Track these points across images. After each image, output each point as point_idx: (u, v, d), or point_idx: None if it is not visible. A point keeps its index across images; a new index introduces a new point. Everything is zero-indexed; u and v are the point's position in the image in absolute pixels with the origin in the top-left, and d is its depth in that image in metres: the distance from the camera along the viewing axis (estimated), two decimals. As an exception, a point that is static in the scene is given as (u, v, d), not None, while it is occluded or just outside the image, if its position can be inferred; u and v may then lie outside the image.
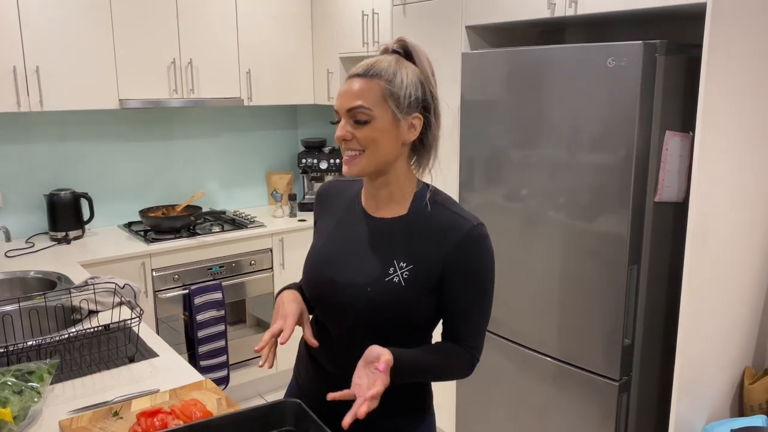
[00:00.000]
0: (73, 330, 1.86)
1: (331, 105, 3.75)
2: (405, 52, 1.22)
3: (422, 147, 1.24)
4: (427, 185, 1.28)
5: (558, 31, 2.79)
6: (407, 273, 1.18)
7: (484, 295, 1.22)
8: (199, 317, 3.10)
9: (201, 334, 3.12)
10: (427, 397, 1.36)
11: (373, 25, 3.24)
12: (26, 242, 3.09)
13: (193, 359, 3.13)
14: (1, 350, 1.67)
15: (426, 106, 1.20)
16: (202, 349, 3.14)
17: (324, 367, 1.33)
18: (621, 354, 2.06)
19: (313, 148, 3.87)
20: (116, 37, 3.04)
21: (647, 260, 2.04)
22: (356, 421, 1.05)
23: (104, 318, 2.02)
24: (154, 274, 3.00)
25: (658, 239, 2.06)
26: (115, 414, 1.41)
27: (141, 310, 1.75)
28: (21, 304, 1.89)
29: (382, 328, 1.21)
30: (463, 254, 1.18)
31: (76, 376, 1.66)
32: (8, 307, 1.90)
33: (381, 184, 1.23)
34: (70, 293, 1.93)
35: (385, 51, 1.24)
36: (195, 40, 3.27)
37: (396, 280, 1.18)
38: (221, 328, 3.19)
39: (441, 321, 1.27)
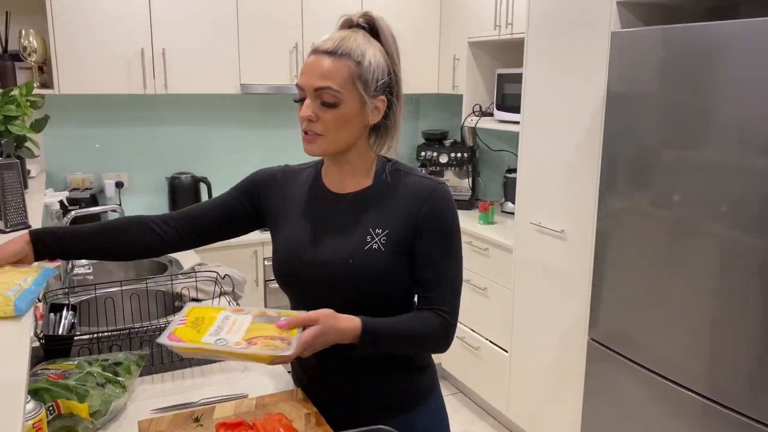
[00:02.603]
0: (166, 320, 1.78)
1: (456, 95, 3.51)
2: (370, 27, 1.20)
3: (383, 128, 1.23)
4: (387, 158, 1.28)
5: (731, 8, 2.37)
6: (384, 238, 1.19)
7: (453, 253, 1.23)
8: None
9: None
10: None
11: (507, 6, 2.96)
12: (147, 224, 3.13)
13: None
14: (95, 335, 1.61)
15: (390, 89, 1.20)
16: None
17: (322, 360, 1.26)
18: (798, 403, 1.66)
19: (434, 140, 3.65)
20: (240, 21, 2.99)
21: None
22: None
23: (205, 308, 1.93)
24: (266, 263, 2.93)
25: None
26: (196, 420, 1.28)
27: (236, 305, 1.62)
28: (124, 287, 1.84)
29: (365, 303, 1.20)
30: (431, 211, 1.19)
31: (167, 370, 1.56)
32: (112, 289, 1.85)
33: (343, 161, 1.24)
34: (171, 280, 1.85)
35: (349, 24, 1.20)
36: (318, 26, 3.16)
37: (375, 246, 1.18)
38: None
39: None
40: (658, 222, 2.05)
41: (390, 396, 1.30)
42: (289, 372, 1.53)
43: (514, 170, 2.94)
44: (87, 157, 3.10)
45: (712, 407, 1.89)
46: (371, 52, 1.15)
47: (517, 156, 2.82)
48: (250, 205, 1.35)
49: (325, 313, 1.09)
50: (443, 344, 1.22)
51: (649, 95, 2.04)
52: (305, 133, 1.16)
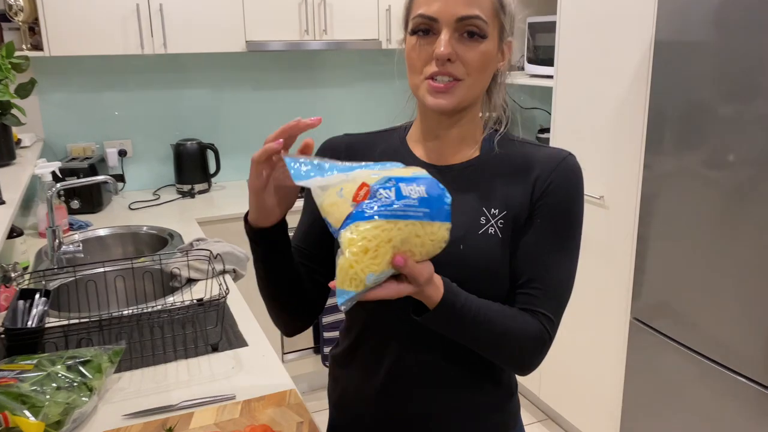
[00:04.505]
0: (153, 305, 1.59)
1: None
2: None
3: (494, 84, 0.98)
4: (494, 127, 1.02)
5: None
6: (502, 221, 0.94)
7: (571, 245, 0.95)
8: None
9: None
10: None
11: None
12: (153, 194, 2.95)
13: (317, 330, 2.85)
14: (73, 321, 1.43)
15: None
16: (326, 319, 2.85)
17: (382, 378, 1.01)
18: None
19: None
20: (244, -29, 2.74)
21: None
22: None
23: (200, 290, 1.74)
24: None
25: None
26: (168, 430, 1.09)
27: (226, 289, 1.42)
28: (107, 268, 1.65)
29: None
30: (554, 187, 0.93)
31: (147, 364, 1.37)
32: (95, 270, 1.67)
33: (454, 122, 0.96)
34: (161, 260, 1.66)
35: None
36: (330, -26, 2.89)
37: (491, 231, 0.93)
38: (347, 298, 2.87)
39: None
40: (712, 185, 1.79)
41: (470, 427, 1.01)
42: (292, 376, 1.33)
43: (547, 130, 2.66)
44: (88, 124, 2.91)
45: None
46: None
47: (550, 114, 2.54)
48: None
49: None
50: (533, 358, 0.93)
51: (703, 42, 1.75)
52: (432, 79, 0.89)
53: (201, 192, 2.97)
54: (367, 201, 0.74)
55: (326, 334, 2.89)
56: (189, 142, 2.94)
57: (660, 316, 2.02)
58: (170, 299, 1.67)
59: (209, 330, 1.47)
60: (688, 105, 1.85)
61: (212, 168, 3.01)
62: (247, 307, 1.67)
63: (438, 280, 0.83)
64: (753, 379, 1.72)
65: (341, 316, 2.89)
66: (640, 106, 2.04)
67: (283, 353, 2.88)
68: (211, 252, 1.63)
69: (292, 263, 0.97)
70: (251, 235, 0.92)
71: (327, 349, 2.88)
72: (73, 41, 2.52)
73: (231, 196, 2.95)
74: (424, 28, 0.88)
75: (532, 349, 0.91)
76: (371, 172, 0.77)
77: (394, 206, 0.74)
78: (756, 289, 1.69)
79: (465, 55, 0.87)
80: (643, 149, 2.04)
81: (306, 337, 2.89)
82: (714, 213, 1.79)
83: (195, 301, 1.64)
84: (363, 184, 0.75)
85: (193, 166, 2.95)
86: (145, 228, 2.37)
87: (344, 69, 3.38)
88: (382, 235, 0.73)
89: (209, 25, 2.70)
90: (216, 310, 1.45)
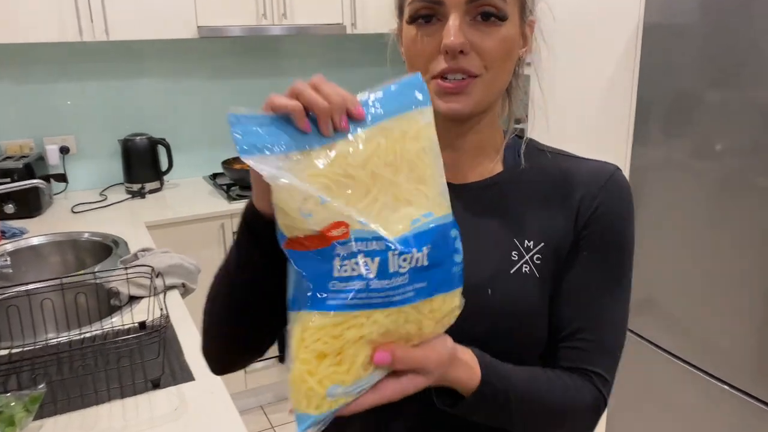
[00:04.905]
0: (87, 330, 1.39)
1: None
2: None
3: (513, 74, 0.78)
4: (517, 134, 0.82)
5: None
6: (539, 256, 0.73)
7: (623, 281, 0.75)
8: (288, 290, 2.59)
9: (289, 309, 2.62)
10: None
11: None
12: (100, 194, 2.71)
13: (281, 337, 2.66)
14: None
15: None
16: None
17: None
18: None
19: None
20: (193, -51, 2.50)
21: None
22: None
23: (143, 309, 1.54)
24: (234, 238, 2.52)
25: None
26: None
27: (165, 318, 1.22)
28: (31, 286, 1.44)
29: (498, 354, 0.69)
30: (602, 211, 0.73)
31: (75, 407, 1.17)
32: (23, 288, 1.45)
33: (471, 128, 0.76)
34: (95, 278, 1.46)
35: None
36: (287, -48, 2.66)
37: (526, 269, 0.73)
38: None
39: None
40: (700, 176, 1.71)
41: None
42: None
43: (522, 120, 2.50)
44: (25, 119, 2.65)
45: (758, 407, 1.53)
46: None
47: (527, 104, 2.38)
48: None
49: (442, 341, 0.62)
50: (587, 426, 0.76)
51: (692, 26, 1.63)
52: (441, 78, 0.69)
53: (152, 191, 2.74)
54: (336, 264, 0.51)
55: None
56: (138, 138, 2.70)
57: (643, 318, 1.89)
58: (108, 323, 1.46)
59: (149, 362, 1.28)
60: (676, 92, 1.74)
61: (164, 165, 2.78)
62: (195, 329, 1.47)
63: (465, 354, 0.63)
64: (744, 390, 1.60)
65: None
66: (626, 93, 1.90)
67: (246, 363, 2.68)
68: (153, 269, 1.43)
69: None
70: (255, 225, 0.65)
71: (293, 358, 2.70)
72: (1, 28, 2.26)
73: (184, 195, 2.73)
74: (425, 14, 0.69)
75: (589, 421, 0.74)
76: (353, 207, 0.53)
77: (371, 291, 0.52)
78: (747, 289, 1.56)
79: (481, 44, 0.68)
80: (629, 139, 1.90)
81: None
82: (702, 206, 1.69)
83: (137, 324, 1.44)
84: (339, 224, 0.52)
85: (143, 164, 2.71)
86: (86, 235, 2.14)
87: (308, 56, 3.16)
88: (347, 334, 0.52)
89: (155, 9, 2.46)
90: (157, 339, 1.25)
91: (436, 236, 0.55)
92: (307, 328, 0.52)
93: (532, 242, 0.74)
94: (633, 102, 1.87)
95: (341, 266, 0.52)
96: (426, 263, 0.53)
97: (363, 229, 0.52)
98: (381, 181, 0.55)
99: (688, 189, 1.72)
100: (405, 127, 0.57)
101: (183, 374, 1.27)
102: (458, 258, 0.57)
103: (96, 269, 1.76)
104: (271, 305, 0.67)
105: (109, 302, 1.62)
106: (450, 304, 0.57)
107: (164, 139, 2.76)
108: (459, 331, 0.63)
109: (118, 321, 1.47)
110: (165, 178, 2.81)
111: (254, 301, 0.69)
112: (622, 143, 1.93)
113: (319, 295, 0.52)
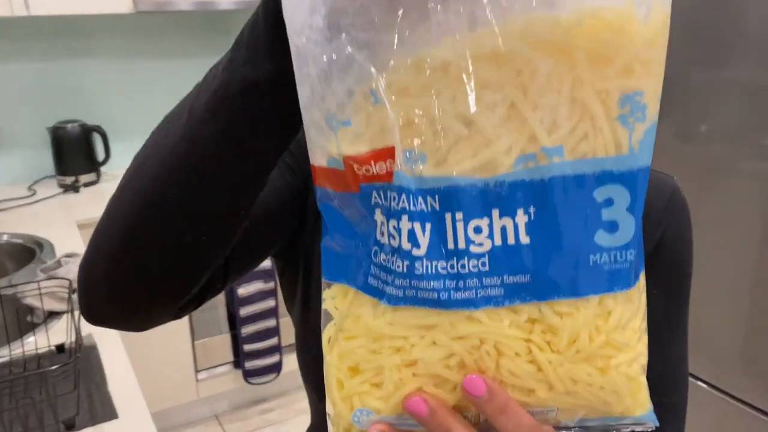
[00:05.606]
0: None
1: None
2: None
3: None
4: None
5: None
6: None
7: (687, 316, 0.65)
8: (241, 291, 2.38)
9: (244, 312, 2.41)
10: None
11: None
12: (29, 189, 2.44)
13: (236, 342, 2.45)
14: None
15: None
16: (246, 330, 2.45)
17: None
18: None
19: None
20: None
21: None
22: None
23: (63, 328, 1.31)
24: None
25: None
26: None
27: (79, 345, 1.00)
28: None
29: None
30: (674, 232, 0.61)
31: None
32: None
33: None
34: (7, 289, 1.22)
35: None
36: None
37: None
38: (271, 303, 2.48)
39: None
40: (683, 161, 1.58)
41: None
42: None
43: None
44: (-62, 105, 2.36)
45: (742, 409, 1.41)
46: None
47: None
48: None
49: None
50: None
51: (673, 4, 1.51)
52: None
53: (88, 184, 2.47)
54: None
55: (246, 347, 2.49)
56: (70, 125, 2.43)
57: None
58: (18, 345, 1.23)
59: (62, 397, 1.05)
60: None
61: (101, 155, 2.52)
62: (123, 348, 1.25)
63: None
64: (759, 408, 1.47)
65: (264, 325, 2.50)
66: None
67: (197, 371, 2.46)
68: (70, 282, 1.20)
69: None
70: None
71: (248, 364, 2.49)
72: None
73: (126, 188, 2.47)
74: None
75: None
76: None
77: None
78: (735, 284, 1.44)
79: None
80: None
81: (223, 351, 2.48)
82: (686, 192, 1.54)
83: (53, 347, 1.21)
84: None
85: (76, 154, 2.44)
86: (6, 237, 1.89)
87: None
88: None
89: (84, -21, 2.19)
90: (73, 371, 1.03)
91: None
92: (344, 328, 0.34)
93: None
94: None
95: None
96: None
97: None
98: None
99: (672, 172, 1.60)
100: None
101: (104, 410, 1.05)
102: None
103: (12, 278, 1.52)
104: (239, 218, 0.47)
105: (26, 318, 1.38)
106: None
107: (100, 127, 2.49)
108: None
109: (34, 342, 1.24)
110: (102, 169, 2.55)
111: (224, 199, 0.46)
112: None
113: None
